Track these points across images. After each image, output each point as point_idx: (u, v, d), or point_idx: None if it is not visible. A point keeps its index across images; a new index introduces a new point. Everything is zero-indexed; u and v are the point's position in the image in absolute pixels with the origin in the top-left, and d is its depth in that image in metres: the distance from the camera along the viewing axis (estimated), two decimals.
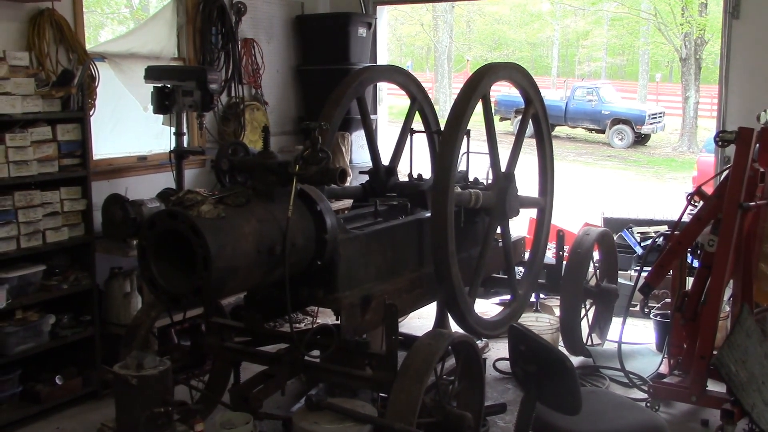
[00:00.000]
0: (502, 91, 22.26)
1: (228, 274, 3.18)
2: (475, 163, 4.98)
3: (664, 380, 4.64)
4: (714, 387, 4.47)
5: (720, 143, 4.56)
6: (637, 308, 6.07)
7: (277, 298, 3.73)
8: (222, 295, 3.62)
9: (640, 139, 22.29)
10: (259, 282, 3.47)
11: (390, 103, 9.48)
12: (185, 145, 5.42)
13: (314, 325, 4.03)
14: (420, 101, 5.38)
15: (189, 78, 5.15)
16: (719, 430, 4.20)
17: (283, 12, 6.92)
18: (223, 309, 4.41)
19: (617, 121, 22.00)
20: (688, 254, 4.97)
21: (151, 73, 5.23)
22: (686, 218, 4.77)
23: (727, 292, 4.74)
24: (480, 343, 5.32)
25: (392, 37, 39.14)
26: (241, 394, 3.56)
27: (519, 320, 5.15)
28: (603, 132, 22.45)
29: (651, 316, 5.62)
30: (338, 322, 3.78)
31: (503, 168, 4.71)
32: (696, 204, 4.69)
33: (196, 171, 6.00)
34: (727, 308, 5.00)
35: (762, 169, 4.44)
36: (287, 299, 3.36)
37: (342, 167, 3.53)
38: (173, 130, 5.26)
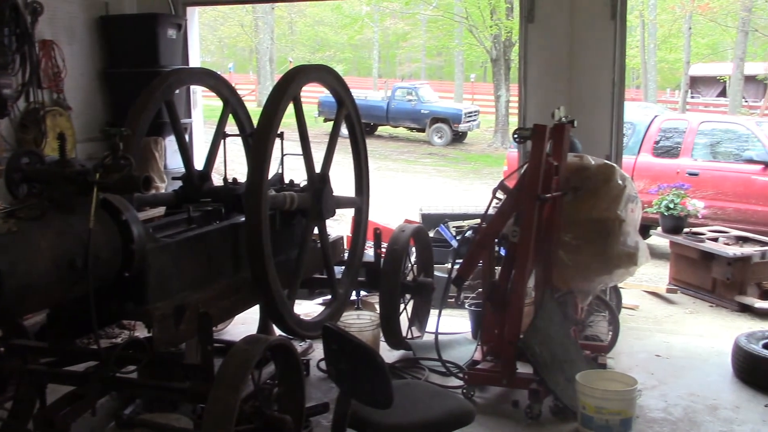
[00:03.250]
0: (325, 92, 22.41)
1: (24, 293, 2.98)
2: (294, 165, 4.98)
3: (478, 366, 4.88)
4: (524, 369, 4.75)
5: (518, 140, 4.86)
6: (454, 300, 6.31)
7: (83, 314, 3.54)
8: (20, 315, 3.41)
9: (458, 137, 23.31)
10: (62, 298, 3.29)
11: (212, 105, 9.28)
12: None
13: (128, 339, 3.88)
14: (233, 104, 5.31)
15: None
16: (527, 408, 4.48)
17: (85, 12, 6.58)
18: (26, 330, 4.11)
19: (436, 119, 22.87)
20: (497, 245, 5.25)
21: None
22: (493, 211, 5.03)
23: (532, 280, 5.05)
24: (303, 345, 5.35)
25: (213, 38, 38.38)
26: (46, 418, 3.35)
27: (341, 319, 5.23)
28: (423, 131, 23.25)
29: (466, 306, 5.88)
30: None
31: (318, 169, 4.75)
32: (500, 197, 4.95)
33: None
34: (533, 294, 5.32)
35: (556, 163, 4.77)
36: (92, 314, 3.20)
37: (147, 174, 3.41)
38: None
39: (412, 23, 35.45)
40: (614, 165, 5.23)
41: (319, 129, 20.76)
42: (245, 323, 5.96)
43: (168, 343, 3.64)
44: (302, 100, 4.56)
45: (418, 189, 15.08)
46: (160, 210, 5.56)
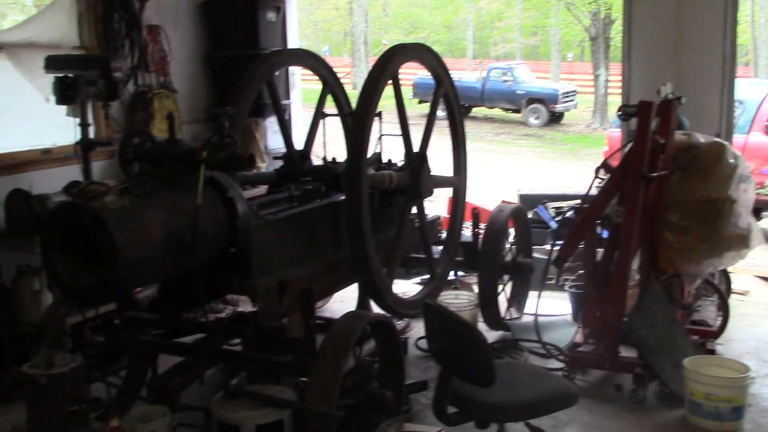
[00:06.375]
0: (420, 73, 22.37)
1: (136, 266, 3.11)
2: (391, 145, 4.99)
3: (580, 349, 4.78)
4: (627, 353, 4.63)
5: (622, 117, 4.70)
6: (553, 281, 6.20)
7: (191, 287, 3.66)
8: (131, 288, 3.56)
9: (555, 118, 22.80)
10: (170, 272, 3.41)
11: (309, 88, 9.41)
12: (91, 136, 5.24)
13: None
14: (332, 84, 5.35)
15: (91, 67, 4.97)
16: (632, 393, 4.36)
17: None
18: (138, 302, 4.30)
19: (532, 100, 22.42)
20: (599, 226, 5.11)
21: (52, 63, 5.03)
22: (595, 191, 4.90)
23: (637, 261, 4.90)
24: (402, 323, 5.37)
25: (308, 22, 38.83)
26: (158, 386, 3.50)
27: (439, 298, 5.22)
28: (519, 111, 22.85)
29: (566, 288, 5.77)
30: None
31: (416, 149, 4.74)
32: (603, 177, 4.82)
33: (104, 163, 5.81)
34: (637, 276, 5.16)
35: (662, 141, 4.60)
36: (200, 288, 3.31)
37: (251, 152, 3.48)
38: (78, 121, 5.08)
39: (507, 2, 34.84)
40: (725, 143, 5.01)
41: (413, 111, 20.69)
42: (343, 301, 6.03)
43: (271, 317, 3.72)
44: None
45: (514, 170, 14.88)
46: (262, 189, 5.68)
